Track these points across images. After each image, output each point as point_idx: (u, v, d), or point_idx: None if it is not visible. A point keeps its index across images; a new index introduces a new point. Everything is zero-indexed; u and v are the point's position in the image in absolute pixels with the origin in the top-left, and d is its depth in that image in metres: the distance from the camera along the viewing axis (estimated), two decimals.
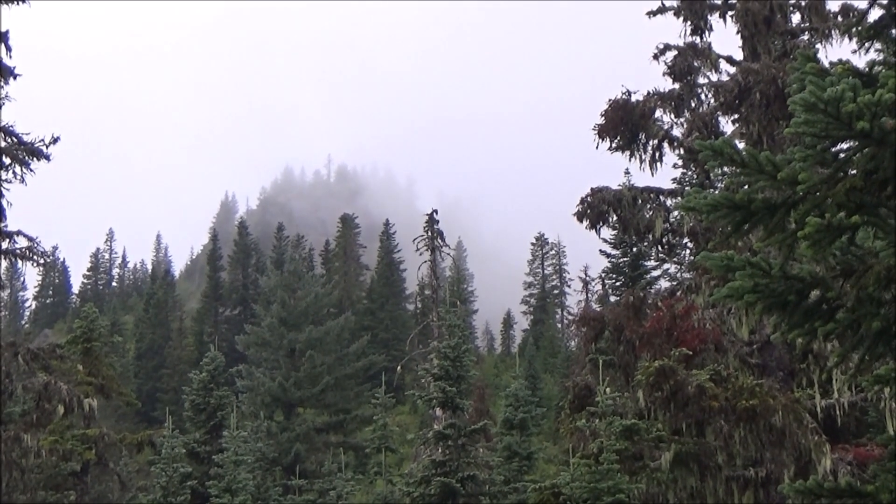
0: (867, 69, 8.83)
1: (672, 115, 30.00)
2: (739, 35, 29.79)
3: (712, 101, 29.49)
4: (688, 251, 38.48)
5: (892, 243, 8.28)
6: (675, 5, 30.23)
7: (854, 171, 8.06)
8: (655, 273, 70.40)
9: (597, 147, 29.94)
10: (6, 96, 32.26)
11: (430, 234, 53.44)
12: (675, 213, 29.87)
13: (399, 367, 59.08)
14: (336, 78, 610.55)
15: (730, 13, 29.97)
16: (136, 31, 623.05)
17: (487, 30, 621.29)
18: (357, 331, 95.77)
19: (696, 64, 29.90)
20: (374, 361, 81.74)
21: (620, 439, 22.59)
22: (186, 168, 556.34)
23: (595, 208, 29.40)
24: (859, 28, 9.86)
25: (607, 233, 63.07)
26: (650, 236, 29.82)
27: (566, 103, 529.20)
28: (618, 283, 72.57)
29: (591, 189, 29.76)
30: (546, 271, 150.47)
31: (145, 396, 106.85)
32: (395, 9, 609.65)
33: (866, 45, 9.75)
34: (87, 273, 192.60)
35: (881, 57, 9.33)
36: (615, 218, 29.76)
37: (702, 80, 29.92)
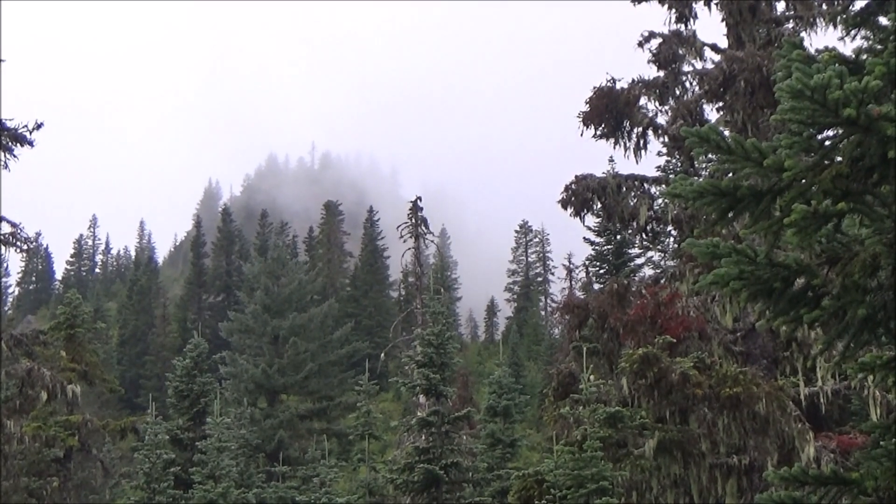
0: (854, 56, 8.82)
1: (657, 103, 30.04)
2: (724, 23, 29.82)
3: (697, 88, 29.53)
4: (672, 239, 38.65)
5: (878, 231, 8.27)
6: None
7: (840, 159, 8.05)
8: (640, 261, 70.49)
9: (581, 134, 29.97)
10: None
11: (413, 221, 53.41)
12: (660, 200, 29.93)
13: (383, 355, 59.09)
14: (321, 65, 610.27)
15: (715, 1, 29.99)
16: (120, 15, 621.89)
17: (471, 17, 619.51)
18: (341, 318, 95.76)
19: (680, 52, 29.92)
20: (357, 348, 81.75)
21: (604, 427, 22.60)
22: (170, 155, 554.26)
23: (579, 196, 29.42)
24: (845, 16, 9.85)
25: (591, 220, 63.17)
26: (634, 224, 29.86)
27: (551, 91, 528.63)
28: (602, 271, 72.65)
29: (576, 176, 29.78)
30: (530, 259, 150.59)
31: (128, 383, 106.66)
32: None
33: (852, 32, 9.74)
34: (71, 259, 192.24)
35: (867, 44, 9.33)
36: (599, 205, 29.79)
37: (687, 68, 29.96)
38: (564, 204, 29.60)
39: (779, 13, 29.80)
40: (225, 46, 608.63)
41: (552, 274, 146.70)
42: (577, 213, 29.83)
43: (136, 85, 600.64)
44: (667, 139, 30.20)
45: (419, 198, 54.38)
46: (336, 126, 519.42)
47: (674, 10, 30.29)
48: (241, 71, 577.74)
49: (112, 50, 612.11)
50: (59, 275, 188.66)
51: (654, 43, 30.12)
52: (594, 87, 29.79)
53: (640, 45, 30.24)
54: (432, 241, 56.68)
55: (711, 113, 29.73)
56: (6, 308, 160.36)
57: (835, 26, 26.89)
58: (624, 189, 29.61)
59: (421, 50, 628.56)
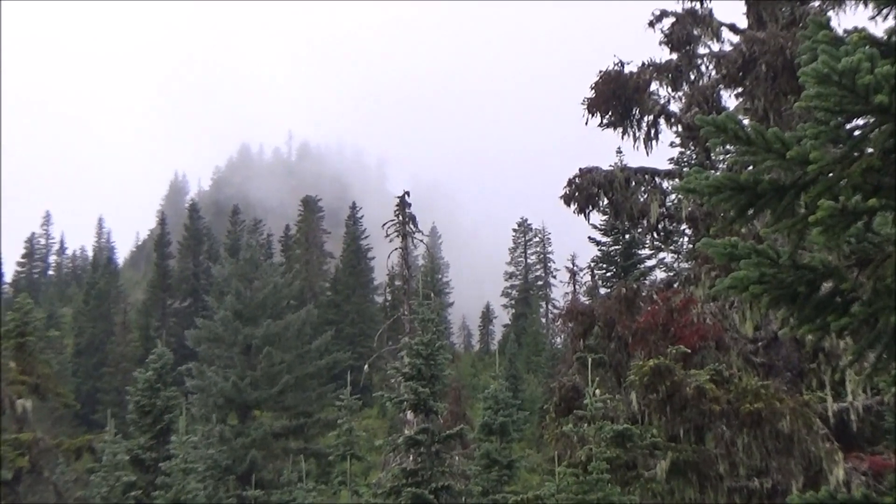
0: (886, 38, 8.82)
1: (669, 89, 30.05)
2: (744, 1, 29.82)
3: (714, 73, 29.54)
4: (686, 238, 38.68)
5: None
6: None
7: (871, 150, 8.05)
8: (650, 262, 70.73)
9: (586, 123, 29.96)
10: None
11: (401, 218, 53.42)
12: (673, 195, 29.96)
13: (366, 366, 59.01)
14: (299, 48, 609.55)
15: None
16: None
17: (468, 3, 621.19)
18: (320, 325, 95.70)
19: (695, 32, 29.93)
20: (338, 359, 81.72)
21: (611, 446, 22.62)
22: (132, 145, 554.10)
23: (584, 191, 29.43)
24: None
25: (597, 218, 63.60)
26: (645, 222, 29.86)
27: (554, 78, 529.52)
28: (609, 274, 72.84)
29: (580, 170, 29.78)
30: (529, 260, 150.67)
31: (85, 397, 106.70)
32: None
33: (884, 11, 9.73)
34: (21, 260, 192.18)
35: None
36: (606, 201, 29.80)
37: (702, 51, 29.97)
38: (567, 200, 29.61)
39: None
40: (194, 29, 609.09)
41: (554, 277, 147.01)
42: (582, 210, 29.83)
43: (96, 70, 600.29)
44: (680, 128, 30.21)
45: (407, 193, 54.40)
46: (317, 115, 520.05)
47: None
48: (211, 55, 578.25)
49: (68, 32, 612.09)
50: (8, 277, 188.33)
51: (667, 23, 30.14)
52: (600, 72, 29.81)
53: (651, 24, 30.26)
54: (421, 241, 56.70)
55: (729, 99, 29.74)
56: None
57: (865, 4, 26.99)
58: (633, 183, 29.61)
59: (413, 36, 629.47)
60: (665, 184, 29.96)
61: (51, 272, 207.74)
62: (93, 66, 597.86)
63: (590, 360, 25.29)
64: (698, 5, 30.24)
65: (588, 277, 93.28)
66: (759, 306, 9.07)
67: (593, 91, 29.74)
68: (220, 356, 74.59)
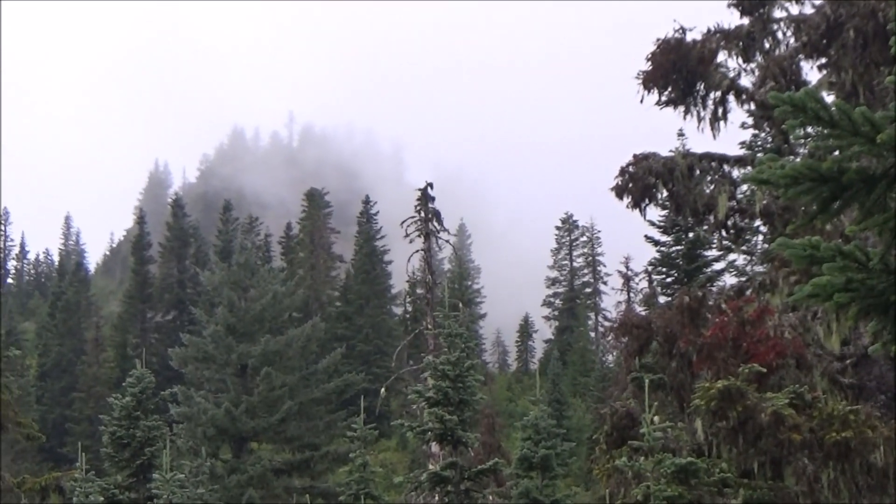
0: None
1: (740, 60, 30.10)
2: None
3: (792, 40, 29.55)
4: (760, 237, 38.62)
5: None
6: None
7: None
8: (718, 266, 70.67)
9: (641, 101, 30.04)
10: None
11: (423, 215, 53.45)
12: (744, 187, 29.96)
13: (383, 390, 59.13)
14: (301, 16, 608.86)
15: None
16: None
17: None
18: (328, 342, 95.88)
19: None
20: (350, 382, 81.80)
21: (672, 483, 22.64)
22: (105, 133, 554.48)
23: (639, 181, 29.49)
24: None
25: (655, 213, 63.58)
26: (711, 217, 29.91)
27: (603, 48, 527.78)
28: (669, 280, 72.76)
29: (635, 156, 29.84)
30: (575, 264, 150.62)
31: (51, 428, 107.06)
32: None
33: None
34: None
35: None
36: (665, 193, 29.87)
37: (778, 14, 30.00)
38: (620, 192, 29.68)
39: None
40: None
41: (604, 283, 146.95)
42: (637, 204, 29.90)
43: (62, 47, 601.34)
44: (753, 106, 30.25)
45: (430, 185, 54.41)
46: (322, 94, 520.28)
47: None
48: (198, 23, 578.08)
49: (29, 4, 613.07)
50: None
51: None
52: (658, 40, 29.86)
53: None
54: (447, 242, 56.74)
55: (811, 72, 29.75)
56: None
57: None
58: (697, 172, 29.67)
59: (436, 3, 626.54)
60: (735, 172, 30.01)
61: (10, 280, 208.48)
62: (57, 34, 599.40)
63: (647, 381, 25.32)
64: None
65: (645, 284, 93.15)
66: (846, 317, 9.07)
67: (650, 63, 29.82)
68: (210, 378, 74.82)
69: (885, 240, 8.45)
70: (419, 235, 53.37)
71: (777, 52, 29.55)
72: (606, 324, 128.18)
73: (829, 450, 21.91)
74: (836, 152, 8.53)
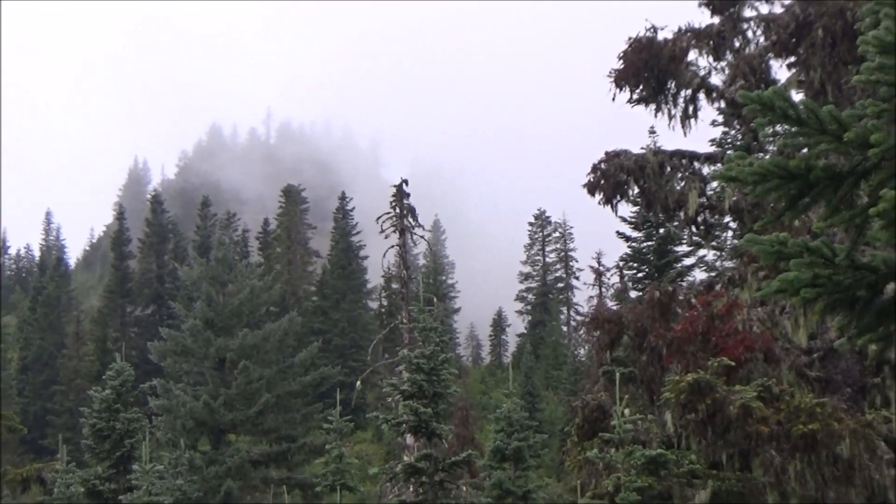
0: None
1: (710, 58, 30.16)
2: None
3: (762, 39, 29.62)
4: (730, 233, 38.68)
5: None
6: None
7: None
8: (688, 261, 70.72)
9: (613, 99, 30.09)
10: None
11: (398, 211, 53.43)
12: (714, 183, 30.01)
13: (359, 383, 59.14)
14: (279, 12, 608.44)
15: None
16: None
17: None
18: (305, 336, 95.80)
19: None
20: (326, 375, 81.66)
21: (643, 474, 22.67)
22: (84, 128, 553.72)
23: (611, 178, 29.53)
24: None
25: (626, 209, 63.69)
26: (682, 213, 29.95)
27: (576, 47, 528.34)
28: (640, 275, 72.84)
29: (607, 153, 29.88)
30: (548, 259, 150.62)
31: (32, 420, 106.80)
32: None
33: None
34: None
35: None
36: (637, 190, 29.91)
37: (749, 13, 30.07)
38: (592, 188, 29.71)
39: None
40: None
41: (577, 279, 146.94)
42: (609, 201, 29.93)
43: (40, 42, 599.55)
44: (723, 104, 30.32)
45: (406, 181, 54.39)
46: (300, 90, 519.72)
47: None
48: (174, 18, 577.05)
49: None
50: None
51: None
52: (630, 39, 29.91)
53: None
54: (422, 237, 56.75)
55: (780, 70, 29.82)
56: None
57: None
58: (668, 169, 29.71)
59: (414, 2, 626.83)
60: (706, 169, 30.07)
61: None
62: (38, 30, 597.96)
63: (618, 374, 25.35)
64: None
65: (616, 279, 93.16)
66: (813, 312, 9.08)
67: (622, 61, 29.84)
68: (188, 372, 74.65)
69: (851, 236, 8.46)
70: (394, 231, 53.33)
71: (747, 50, 29.61)
72: (578, 318, 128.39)
73: (797, 442, 21.94)
74: (804, 150, 8.54)
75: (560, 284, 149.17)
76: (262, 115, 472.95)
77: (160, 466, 43.01)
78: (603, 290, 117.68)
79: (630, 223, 70.45)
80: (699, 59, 30.02)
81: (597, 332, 28.95)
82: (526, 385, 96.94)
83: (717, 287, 28.44)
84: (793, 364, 26.16)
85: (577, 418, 28.44)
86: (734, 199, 28.77)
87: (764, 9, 29.78)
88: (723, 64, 30.00)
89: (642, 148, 30.39)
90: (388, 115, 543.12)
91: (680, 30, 29.95)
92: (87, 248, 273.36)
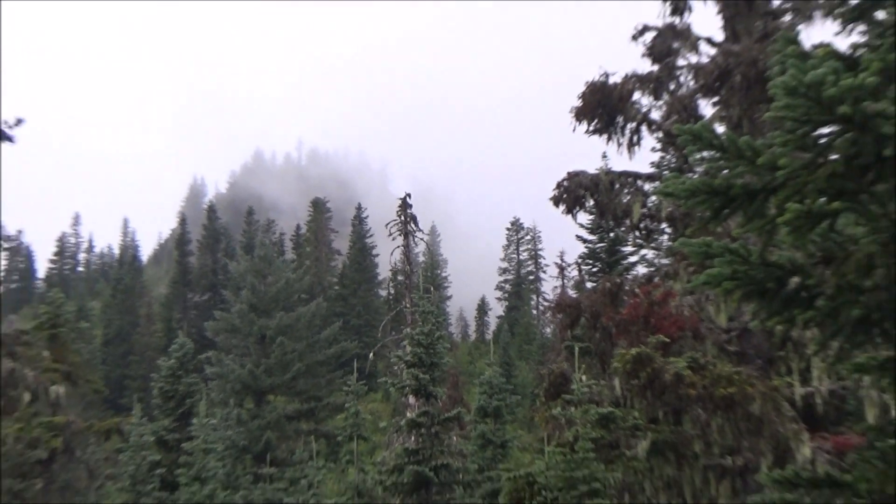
0: (850, 52, 8.82)
1: (651, 98, 30.03)
2: (720, 16, 29.80)
3: (692, 83, 29.51)
4: (666, 237, 38.55)
5: (873, 230, 8.29)
6: None
7: (835, 157, 8.05)
8: (633, 259, 70.49)
9: (574, 130, 29.97)
10: None
11: (403, 218, 53.33)
12: (653, 197, 29.90)
13: (371, 354, 58.98)
14: (308, 60, 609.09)
15: None
16: (104, 10, 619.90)
17: (466, 15, 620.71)
18: (328, 317, 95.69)
19: (675, 45, 29.91)
20: (345, 348, 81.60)
21: (596, 427, 22.62)
22: (155, 152, 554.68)
23: (572, 193, 29.43)
24: (842, 9, 9.85)
25: (584, 218, 63.66)
26: (628, 221, 29.85)
27: (544, 89, 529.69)
28: (594, 269, 72.61)
29: (568, 173, 29.79)
30: (521, 257, 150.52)
31: (113, 384, 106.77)
32: None
33: (849, 27, 9.73)
34: (53, 258, 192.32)
35: (864, 39, 9.33)
36: (592, 202, 29.80)
37: (681, 62, 29.94)
38: (556, 201, 29.61)
39: (776, 6, 29.71)
40: (210, 43, 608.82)
41: (544, 272, 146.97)
42: (570, 211, 29.83)
43: (121, 81, 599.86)
44: (661, 135, 30.20)
45: (409, 195, 54.29)
46: (325, 123, 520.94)
47: (669, 2, 30.30)
48: (227, 67, 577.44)
49: (96, 45, 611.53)
50: (41, 273, 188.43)
51: (649, 36, 30.13)
52: (587, 82, 29.82)
53: (635, 38, 30.26)
54: (422, 239, 56.60)
55: (707, 108, 29.71)
56: None
57: (833, 20, 26.93)
58: (617, 186, 29.60)
59: (413, 50, 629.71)
60: (647, 186, 29.95)
61: (80, 269, 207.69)
62: (119, 78, 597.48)
63: (577, 348, 25.30)
64: (678, 20, 30.24)
65: (575, 273, 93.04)
66: (731, 300, 9.06)
67: (580, 100, 29.74)
68: (236, 345, 74.58)
69: (762, 240, 8.45)
70: (400, 234, 53.24)
71: (680, 92, 29.50)
72: (545, 304, 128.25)
73: (718, 402, 21.89)
74: (725, 171, 8.52)
75: (531, 277, 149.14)
76: (295, 143, 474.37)
77: (214, 420, 42.98)
78: (565, 281, 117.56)
79: (587, 229, 70.26)
80: (642, 99, 29.90)
81: (560, 315, 28.86)
82: (504, 356, 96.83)
83: (656, 279, 28.37)
84: (715, 340, 26.10)
85: (544, 383, 28.33)
86: (669, 210, 28.68)
87: (693, 59, 29.68)
88: (661, 102, 29.87)
89: (597, 169, 30.26)
90: (394, 143, 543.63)
91: (627, 75, 29.83)
92: (156, 247, 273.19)
